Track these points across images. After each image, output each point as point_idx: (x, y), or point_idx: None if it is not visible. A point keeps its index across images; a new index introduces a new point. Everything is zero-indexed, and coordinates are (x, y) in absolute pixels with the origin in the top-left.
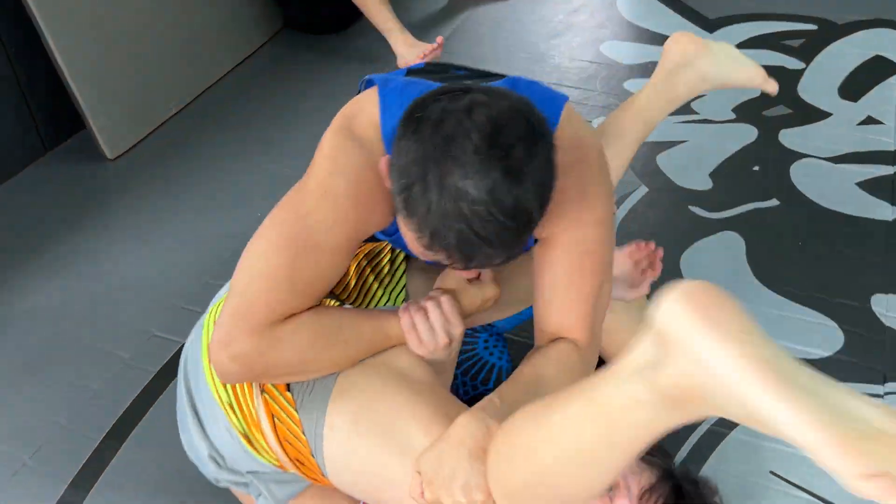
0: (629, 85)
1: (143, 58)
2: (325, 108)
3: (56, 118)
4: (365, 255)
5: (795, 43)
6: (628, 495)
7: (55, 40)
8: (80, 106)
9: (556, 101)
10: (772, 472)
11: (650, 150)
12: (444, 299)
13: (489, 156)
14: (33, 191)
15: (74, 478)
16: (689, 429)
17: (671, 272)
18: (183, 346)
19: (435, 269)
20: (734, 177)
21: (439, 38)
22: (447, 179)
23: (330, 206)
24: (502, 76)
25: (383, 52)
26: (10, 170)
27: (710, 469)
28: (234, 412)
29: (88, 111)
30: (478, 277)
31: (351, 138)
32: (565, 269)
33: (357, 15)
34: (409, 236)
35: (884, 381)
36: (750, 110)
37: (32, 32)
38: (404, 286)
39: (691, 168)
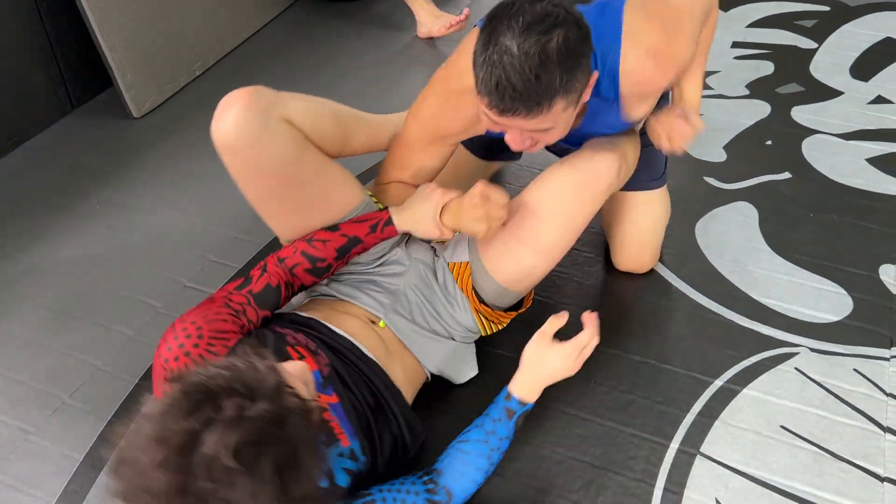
0: None
1: (171, 19)
2: (347, 71)
3: (84, 75)
4: None
5: (808, 23)
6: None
7: None
8: (109, 64)
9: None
10: (782, 427)
11: None
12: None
13: (532, 30)
14: (60, 146)
15: (112, 417)
16: (702, 385)
17: (686, 238)
18: None
19: None
20: (748, 150)
21: (466, 11)
22: (500, 39)
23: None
24: None
25: (403, 18)
26: (37, 125)
27: (723, 423)
28: None
29: (116, 69)
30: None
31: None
32: None
33: None
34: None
35: (890, 345)
36: (763, 87)
37: None
38: None
39: (706, 141)
